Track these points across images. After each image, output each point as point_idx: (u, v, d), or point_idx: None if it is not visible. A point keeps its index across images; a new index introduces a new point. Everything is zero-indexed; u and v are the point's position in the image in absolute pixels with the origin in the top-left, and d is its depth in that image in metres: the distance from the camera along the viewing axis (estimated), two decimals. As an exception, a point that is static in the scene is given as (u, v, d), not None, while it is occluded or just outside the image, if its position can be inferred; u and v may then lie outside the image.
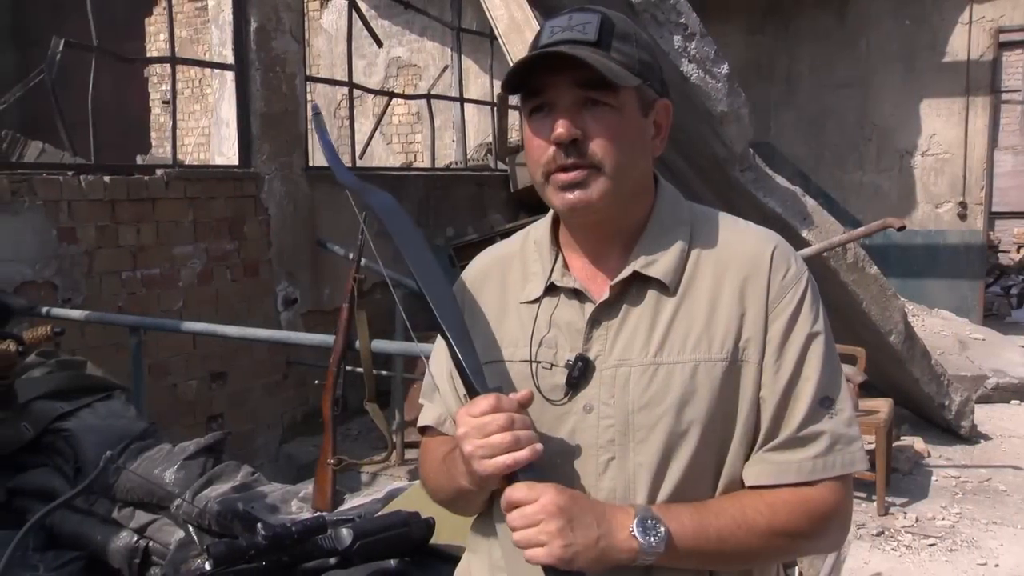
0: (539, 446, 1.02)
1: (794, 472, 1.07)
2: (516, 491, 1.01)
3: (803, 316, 1.10)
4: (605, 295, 1.12)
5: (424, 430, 1.27)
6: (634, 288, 1.12)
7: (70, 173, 4.27)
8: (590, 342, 1.11)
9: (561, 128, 1.07)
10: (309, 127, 5.62)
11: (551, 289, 1.16)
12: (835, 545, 1.16)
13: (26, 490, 2.60)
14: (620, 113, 1.08)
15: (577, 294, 1.14)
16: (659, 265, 1.12)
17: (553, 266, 1.17)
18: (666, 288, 1.11)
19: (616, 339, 1.11)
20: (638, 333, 1.10)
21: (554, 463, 1.10)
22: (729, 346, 1.08)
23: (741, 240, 1.15)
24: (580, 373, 1.10)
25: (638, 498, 1.07)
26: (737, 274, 1.11)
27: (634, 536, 1.01)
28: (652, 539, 1.01)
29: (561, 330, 1.13)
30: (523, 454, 1.01)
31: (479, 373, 1.08)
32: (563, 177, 1.09)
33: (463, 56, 8.26)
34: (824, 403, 1.09)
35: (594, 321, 1.12)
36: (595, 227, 1.15)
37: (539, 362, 1.13)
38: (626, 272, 1.12)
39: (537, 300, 1.16)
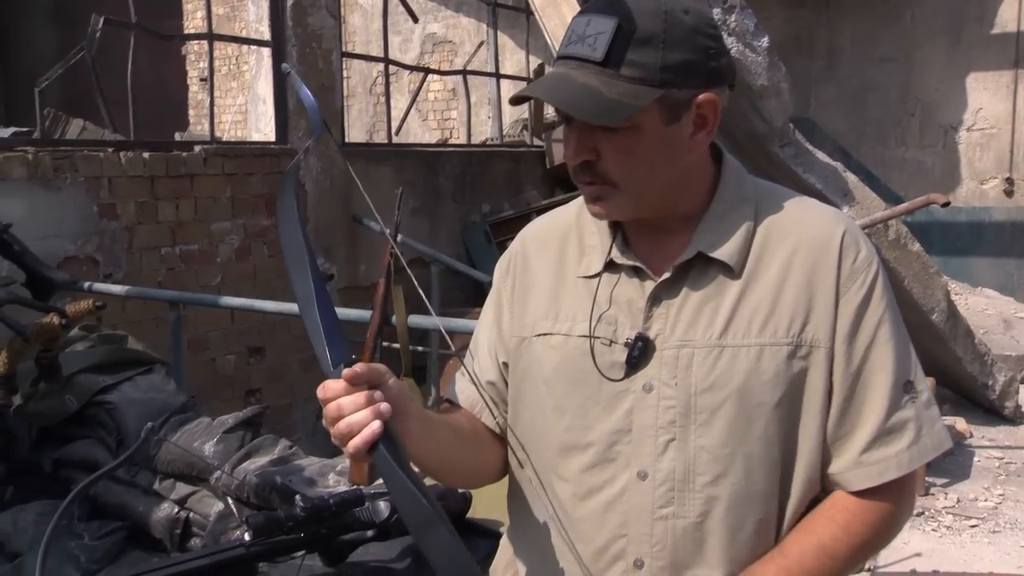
0: (369, 430, 0.95)
1: (894, 468, 1.06)
2: None
3: (875, 300, 1.07)
4: (667, 274, 1.09)
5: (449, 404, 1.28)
6: (697, 267, 1.09)
7: (110, 150, 4.32)
8: (650, 320, 1.09)
9: (570, 152, 1.06)
10: (345, 103, 5.61)
11: (611, 265, 1.13)
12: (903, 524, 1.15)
13: (71, 461, 2.65)
14: (636, 131, 1.03)
15: (637, 271, 1.11)
16: (724, 246, 1.08)
17: (612, 242, 1.13)
18: (731, 270, 1.08)
19: (677, 319, 1.08)
20: (701, 314, 1.07)
21: (611, 441, 1.09)
22: (796, 330, 1.06)
23: (809, 221, 1.11)
24: (640, 352, 1.07)
25: (699, 481, 1.06)
26: (806, 257, 1.07)
27: None
28: None
29: (621, 307, 1.10)
30: (354, 442, 0.95)
31: (325, 358, 1.05)
32: (585, 189, 1.09)
33: (499, 31, 8.20)
34: (907, 388, 1.07)
35: (655, 299, 1.09)
36: (644, 219, 1.12)
37: (598, 338, 1.10)
38: (689, 253, 1.08)
39: (596, 275, 1.13)
